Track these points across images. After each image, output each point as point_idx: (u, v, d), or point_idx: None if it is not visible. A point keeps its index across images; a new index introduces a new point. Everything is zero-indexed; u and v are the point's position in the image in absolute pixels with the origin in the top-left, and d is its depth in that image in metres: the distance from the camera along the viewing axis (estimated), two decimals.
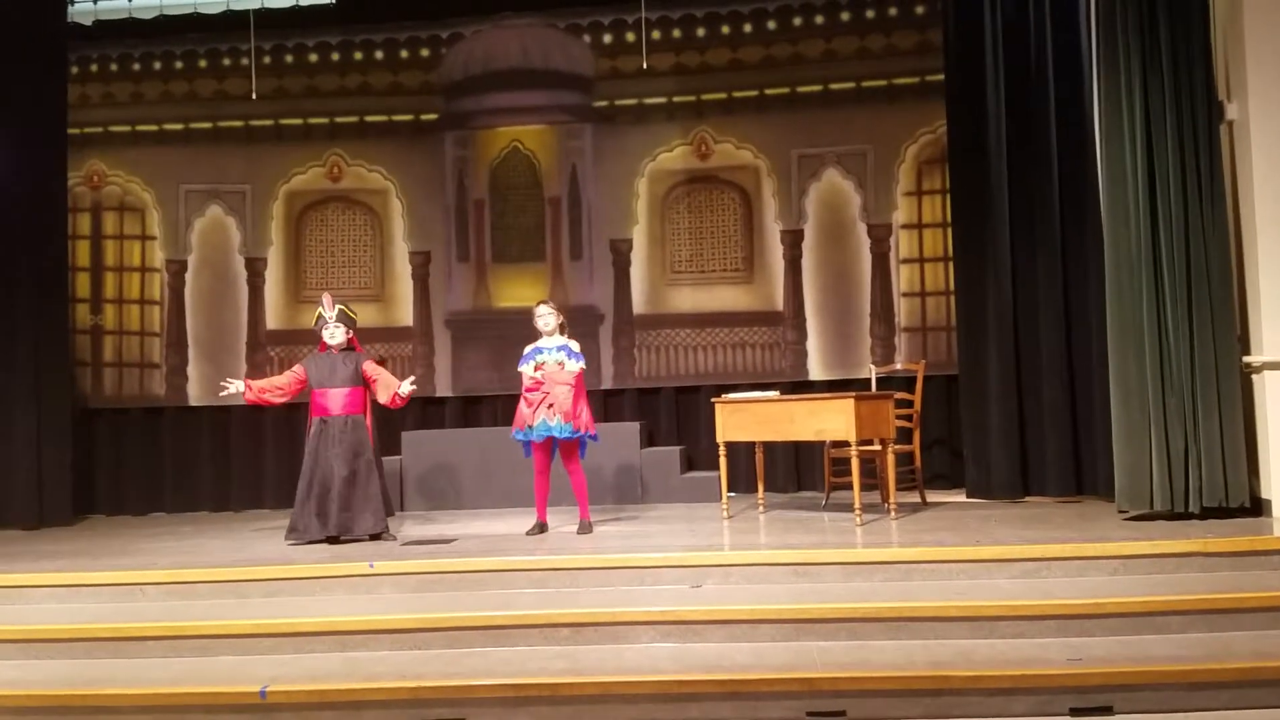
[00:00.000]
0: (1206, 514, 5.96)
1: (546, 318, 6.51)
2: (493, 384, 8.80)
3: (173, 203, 9.13)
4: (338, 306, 6.73)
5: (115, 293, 9.13)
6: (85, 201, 9.14)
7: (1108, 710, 4.23)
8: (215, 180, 9.11)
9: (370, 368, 6.67)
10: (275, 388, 6.69)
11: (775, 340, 8.64)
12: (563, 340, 6.52)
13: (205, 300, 9.06)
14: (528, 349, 6.56)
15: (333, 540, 6.42)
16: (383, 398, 6.57)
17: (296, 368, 6.74)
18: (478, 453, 8.19)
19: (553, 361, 6.43)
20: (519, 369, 6.54)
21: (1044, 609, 4.76)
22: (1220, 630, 4.63)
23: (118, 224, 9.17)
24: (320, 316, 6.71)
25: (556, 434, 6.35)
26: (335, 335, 6.65)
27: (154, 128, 9.17)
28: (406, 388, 6.53)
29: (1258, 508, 6.06)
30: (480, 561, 5.62)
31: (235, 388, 6.64)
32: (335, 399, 6.56)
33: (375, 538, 6.50)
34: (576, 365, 6.44)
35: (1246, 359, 6.16)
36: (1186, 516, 5.96)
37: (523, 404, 6.47)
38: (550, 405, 6.35)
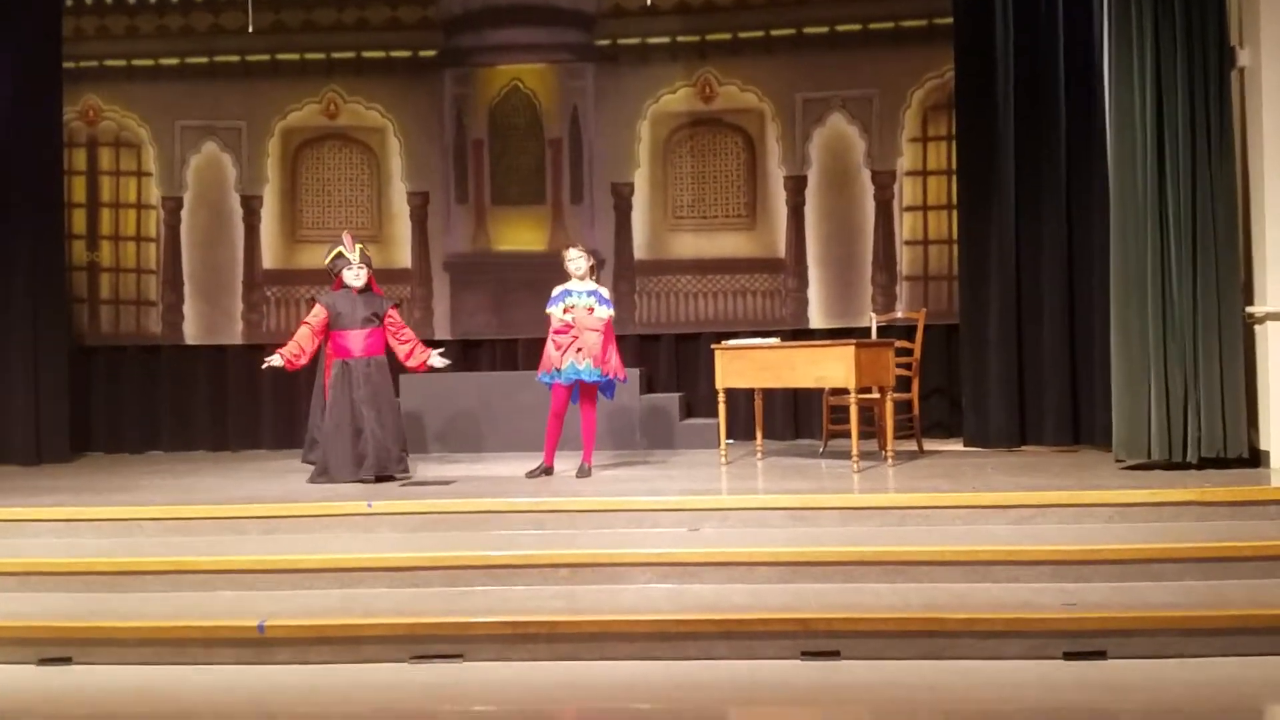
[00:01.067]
0: (1204, 464, 5.97)
1: (578, 260, 6.48)
2: (491, 328, 8.76)
3: (168, 139, 9.02)
4: (358, 246, 6.66)
5: (111, 229, 9.05)
6: (81, 137, 9.02)
7: (1101, 655, 4.26)
8: (211, 117, 8.98)
9: (394, 317, 6.65)
10: (311, 341, 6.50)
11: (776, 288, 8.59)
12: (593, 285, 6.51)
13: (201, 238, 8.98)
14: (556, 290, 6.52)
15: (364, 482, 6.36)
16: (405, 355, 6.57)
17: (317, 308, 6.59)
18: (476, 396, 8.18)
19: (582, 305, 6.42)
20: (547, 310, 6.50)
21: (1039, 554, 4.79)
22: (1215, 579, 4.66)
23: (114, 160, 9.06)
24: (340, 255, 6.61)
25: (585, 377, 6.35)
26: (360, 277, 6.57)
27: (150, 62, 9.02)
28: (437, 361, 6.52)
29: (1255, 459, 6.07)
30: (479, 503, 5.63)
31: (276, 362, 6.49)
32: (357, 340, 6.51)
33: (403, 475, 6.53)
34: (606, 311, 6.45)
35: (1249, 309, 6.14)
36: (1184, 466, 5.97)
37: (550, 346, 6.43)
38: (579, 349, 6.34)
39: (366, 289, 6.63)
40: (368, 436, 6.42)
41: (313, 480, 6.48)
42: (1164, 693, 3.95)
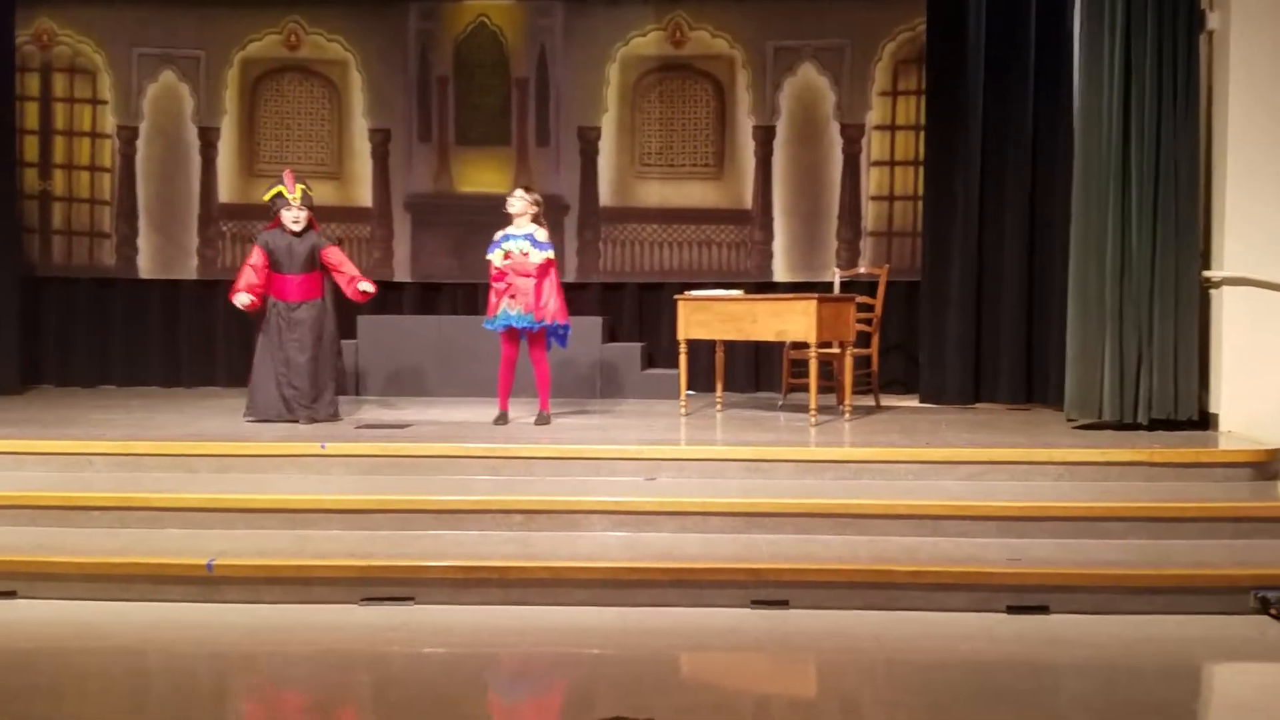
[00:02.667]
0: (1155, 425, 6.06)
1: (515, 202, 6.34)
2: (453, 272, 8.66)
3: (125, 66, 8.77)
4: (299, 186, 6.52)
5: (65, 158, 8.82)
6: (34, 61, 8.74)
7: (1044, 609, 4.34)
8: (169, 45, 8.74)
9: (332, 256, 6.50)
10: (258, 280, 6.39)
11: (742, 239, 8.55)
12: (530, 228, 6.36)
13: (157, 169, 8.77)
14: (496, 236, 6.42)
15: (292, 422, 6.36)
16: (345, 287, 6.46)
17: (255, 252, 6.46)
18: (436, 340, 8.11)
19: (518, 250, 6.31)
20: (487, 256, 6.42)
21: (987, 510, 4.85)
22: (1160, 538, 4.75)
23: (68, 86, 8.81)
24: (280, 195, 6.47)
25: (517, 324, 6.27)
26: (299, 221, 6.43)
27: None
28: (366, 286, 6.42)
29: (1205, 421, 6.17)
30: (434, 447, 5.61)
31: (247, 301, 6.38)
32: (294, 283, 6.41)
33: (324, 419, 6.45)
34: (540, 254, 6.30)
35: (1206, 273, 6.20)
36: (1135, 427, 6.06)
37: (492, 293, 6.38)
38: (513, 296, 6.27)
39: (307, 230, 6.50)
40: (295, 382, 6.37)
41: (245, 415, 6.50)
42: (1104, 648, 4.03)
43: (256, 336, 6.61)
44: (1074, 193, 6.23)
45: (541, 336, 6.38)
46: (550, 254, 6.35)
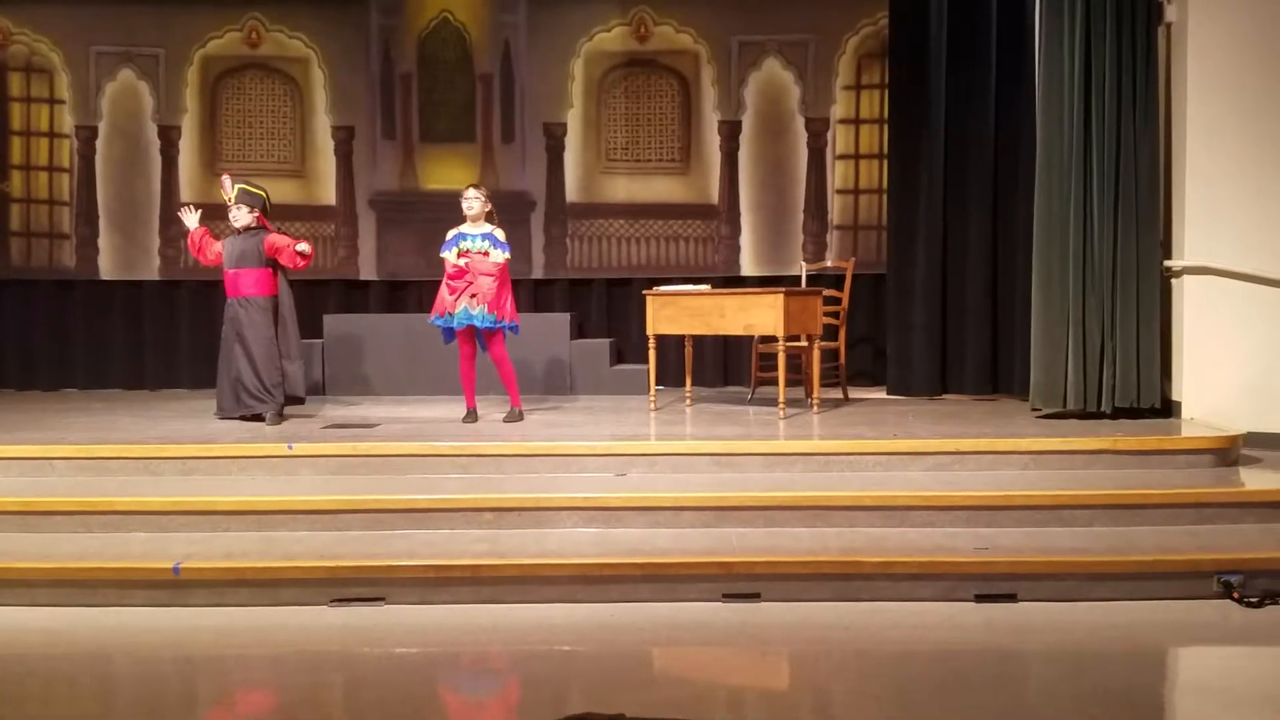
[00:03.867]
0: (1118, 414, 6.14)
1: (472, 202, 6.34)
2: (419, 269, 8.60)
3: (82, 65, 8.66)
4: (237, 186, 6.52)
5: (22, 159, 8.70)
6: None
7: (1011, 598, 4.38)
8: (127, 43, 8.63)
9: (272, 241, 6.47)
10: (208, 246, 6.61)
11: (709, 234, 8.57)
12: (488, 228, 6.35)
13: (117, 169, 8.67)
14: (451, 234, 6.40)
15: (243, 419, 6.45)
16: (286, 261, 6.45)
17: (218, 244, 6.62)
18: (403, 338, 8.07)
19: (477, 249, 6.29)
20: (441, 254, 6.39)
21: (955, 500, 4.89)
22: (1125, 525, 4.81)
23: (24, 86, 8.68)
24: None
25: (478, 323, 6.26)
26: (239, 218, 6.49)
27: None
28: (303, 247, 6.41)
29: (1168, 409, 6.26)
30: (402, 446, 5.58)
31: (191, 221, 6.57)
32: (244, 281, 6.44)
33: (267, 417, 6.43)
34: (501, 255, 6.31)
35: (1167, 263, 6.28)
36: (1098, 416, 6.13)
37: (444, 290, 6.34)
38: (474, 295, 6.25)
39: (256, 227, 6.51)
40: (242, 378, 6.45)
41: (216, 413, 6.63)
42: (1070, 634, 4.07)
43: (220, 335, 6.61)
44: (1036, 186, 6.30)
45: (500, 335, 6.38)
46: (508, 255, 6.36)
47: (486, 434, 5.96)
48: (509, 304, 6.34)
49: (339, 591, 4.47)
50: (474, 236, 6.31)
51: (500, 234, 6.36)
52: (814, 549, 4.60)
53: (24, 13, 8.61)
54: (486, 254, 6.27)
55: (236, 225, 6.49)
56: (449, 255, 6.33)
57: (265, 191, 6.72)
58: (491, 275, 6.25)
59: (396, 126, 8.65)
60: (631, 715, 1.66)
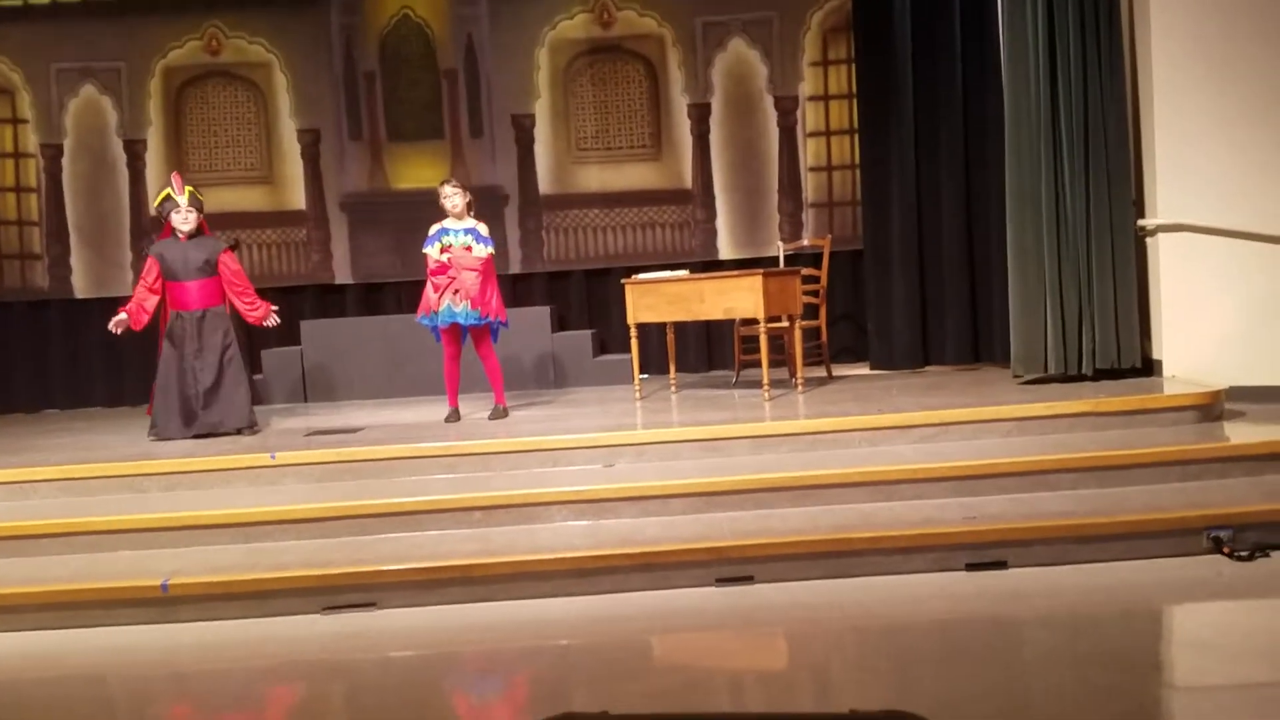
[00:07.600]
0: (1099, 376, 6.15)
1: (453, 198, 6.27)
2: (395, 270, 8.56)
3: (43, 82, 8.56)
4: (188, 188, 6.38)
5: None
6: None
7: (1002, 564, 4.39)
8: (88, 58, 8.54)
9: (227, 264, 6.31)
10: (147, 296, 6.28)
11: (685, 219, 8.54)
12: (471, 222, 6.30)
13: (84, 186, 8.59)
14: (433, 229, 6.33)
15: (199, 436, 6.22)
16: (245, 310, 6.28)
17: (147, 264, 6.33)
18: (382, 341, 8.02)
19: (459, 245, 6.23)
20: (424, 250, 6.33)
21: (941, 471, 4.89)
22: (1111, 486, 4.82)
23: None
24: (169, 199, 6.31)
25: (463, 320, 6.21)
26: (189, 221, 6.29)
27: (18, 2, 8.51)
28: (271, 321, 6.30)
29: (1149, 368, 6.28)
30: (387, 449, 5.54)
31: (120, 320, 6.25)
32: (191, 291, 6.25)
33: (240, 432, 6.30)
34: (485, 250, 6.25)
35: (1141, 222, 6.29)
36: (1080, 379, 6.15)
37: (429, 288, 6.29)
38: (456, 291, 6.19)
39: (197, 233, 6.36)
40: (197, 396, 6.22)
41: (149, 434, 6.34)
42: (1062, 598, 4.08)
43: (159, 349, 6.44)
44: (1006, 152, 6.29)
45: (486, 331, 6.33)
46: (492, 249, 6.30)
47: (471, 432, 5.93)
48: (495, 300, 6.27)
49: (330, 599, 4.44)
50: (456, 231, 6.26)
51: (484, 228, 6.30)
52: (804, 528, 4.60)
53: None
54: (469, 249, 6.22)
55: (185, 228, 6.28)
56: (431, 251, 6.26)
57: (204, 199, 6.59)
58: (475, 270, 6.19)
59: (363, 127, 8.58)
60: (615, 714, 1.64)
